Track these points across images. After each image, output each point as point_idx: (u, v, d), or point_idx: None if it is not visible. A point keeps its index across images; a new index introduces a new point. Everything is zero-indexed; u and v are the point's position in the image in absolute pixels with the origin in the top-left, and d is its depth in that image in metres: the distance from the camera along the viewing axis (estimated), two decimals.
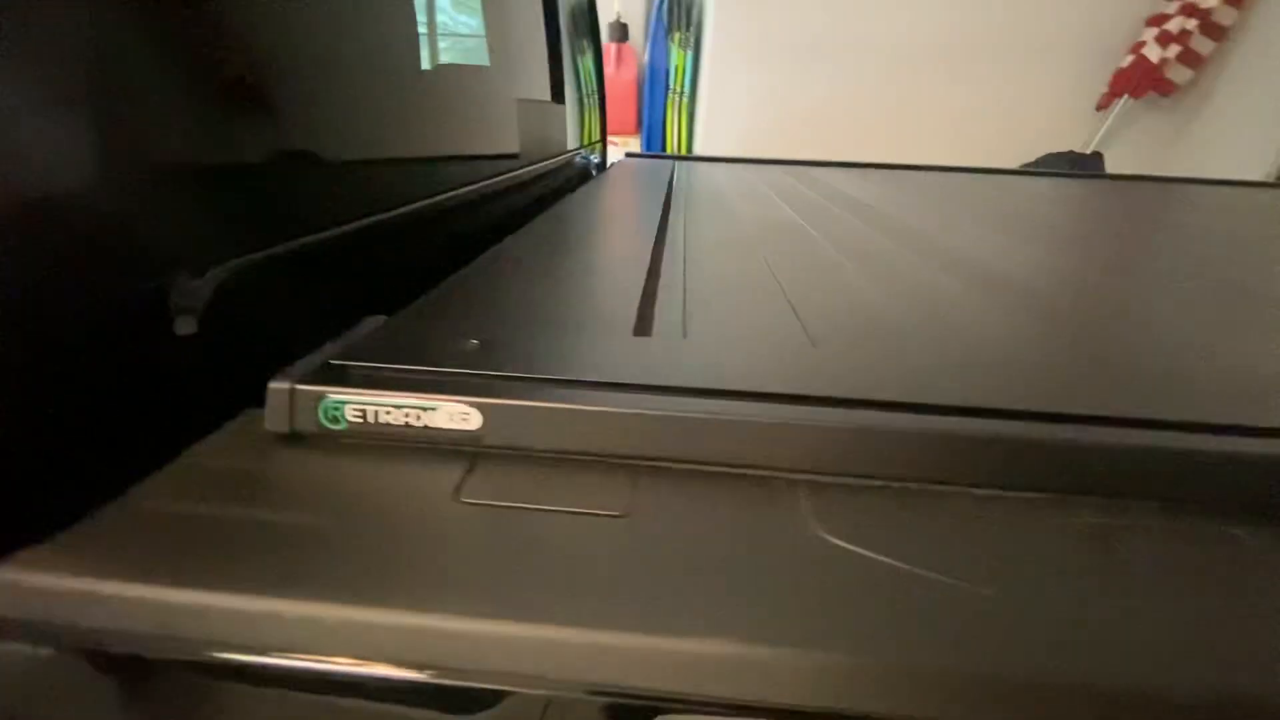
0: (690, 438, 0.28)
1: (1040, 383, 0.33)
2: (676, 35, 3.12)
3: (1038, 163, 2.89)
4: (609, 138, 3.31)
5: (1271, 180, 2.35)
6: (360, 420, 0.29)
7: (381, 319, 0.38)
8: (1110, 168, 2.86)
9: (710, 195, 0.97)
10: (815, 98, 2.95)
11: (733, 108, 3.02)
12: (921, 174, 1.42)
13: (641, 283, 0.48)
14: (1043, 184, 1.34)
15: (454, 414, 0.29)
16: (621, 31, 3.22)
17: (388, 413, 0.29)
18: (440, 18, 0.64)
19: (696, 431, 0.28)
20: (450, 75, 0.65)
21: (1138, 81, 2.65)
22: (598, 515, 0.25)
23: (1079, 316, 0.47)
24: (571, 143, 1.24)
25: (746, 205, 0.87)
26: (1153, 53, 2.61)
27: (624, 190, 1.02)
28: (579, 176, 1.27)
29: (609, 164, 1.51)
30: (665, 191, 0.97)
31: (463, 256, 0.52)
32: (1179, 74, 2.62)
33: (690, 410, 0.28)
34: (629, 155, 1.56)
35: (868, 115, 2.96)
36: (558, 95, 1.09)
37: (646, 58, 3.20)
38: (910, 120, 2.96)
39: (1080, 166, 2.76)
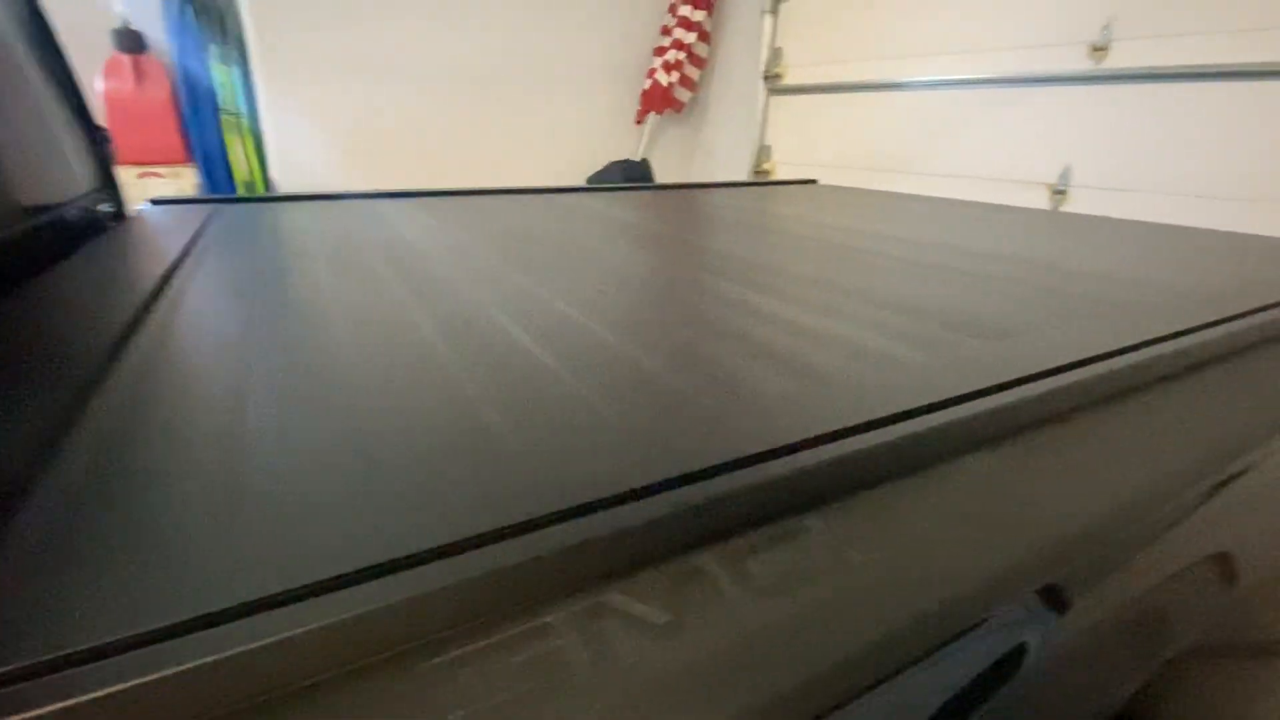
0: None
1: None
2: (214, 49, 2.72)
3: (606, 169, 3.38)
4: (153, 167, 2.75)
5: (750, 180, 3.16)
6: None
7: None
8: (656, 169, 3.51)
9: (241, 262, 0.87)
10: (393, 119, 2.91)
11: (304, 132, 2.78)
12: (506, 198, 1.51)
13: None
14: (602, 198, 1.56)
15: None
16: (134, 40, 2.67)
17: None
18: None
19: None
20: None
21: (656, 101, 3.30)
22: None
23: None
24: (46, 197, 0.97)
25: (276, 272, 0.81)
26: (662, 78, 3.27)
27: (122, 260, 0.85)
28: (75, 240, 0.99)
29: (129, 214, 1.21)
30: (169, 265, 0.81)
31: None
32: (682, 94, 3.34)
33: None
34: (154, 202, 1.28)
35: (449, 136, 3.05)
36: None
37: (180, 73, 2.72)
38: (494, 140, 3.15)
39: (635, 171, 3.32)
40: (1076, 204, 2.01)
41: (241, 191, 2.84)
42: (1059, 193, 2.04)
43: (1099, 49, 1.89)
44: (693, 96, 3.42)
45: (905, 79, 2.46)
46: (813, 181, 2.17)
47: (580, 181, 3.34)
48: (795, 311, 0.61)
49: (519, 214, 1.24)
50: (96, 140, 1.22)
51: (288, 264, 0.84)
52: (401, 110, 2.92)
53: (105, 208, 1.22)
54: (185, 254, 0.85)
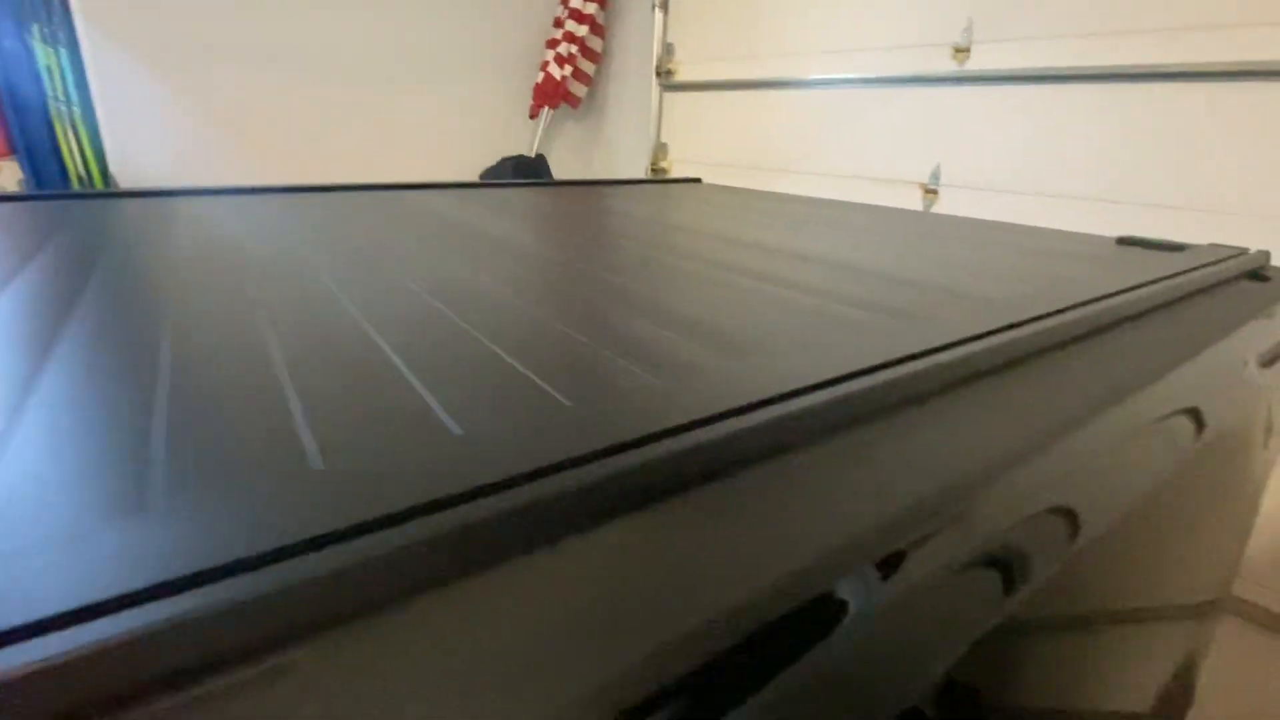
0: None
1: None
2: (36, 27, 2.41)
3: (499, 165, 3.24)
4: None
5: (644, 177, 3.12)
6: None
7: None
8: (553, 166, 3.41)
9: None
10: (254, 110, 2.67)
11: (148, 123, 2.52)
12: (377, 194, 1.39)
13: None
14: (496, 194, 1.46)
15: None
16: None
17: None
18: None
19: None
20: None
21: (550, 95, 3.19)
22: None
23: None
24: None
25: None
26: (555, 71, 3.16)
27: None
28: None
29: None
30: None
31: None
32: (577, 89, 3.25)
33: None
34: None
35: (322, 128, 2.84)
36: None
37: None
38: (375, 130, 2.95)
39: (529, 167, 3.20)
40: (946, 203, 2.06)
41: (76, 187, 2.53)
42: (931, 191, 2.09)
43: (961, 50, 1.94)
44: (589, 91, 3.34)
45: (787, 77, 2.47)
46: (697, 180, 2.13)
47: (473, 177, 3.20)
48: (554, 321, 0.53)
49: (349, 213, 1.12)
50: None
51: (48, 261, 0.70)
52: (270, 100, 2.69)
53: None
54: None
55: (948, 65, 1.98)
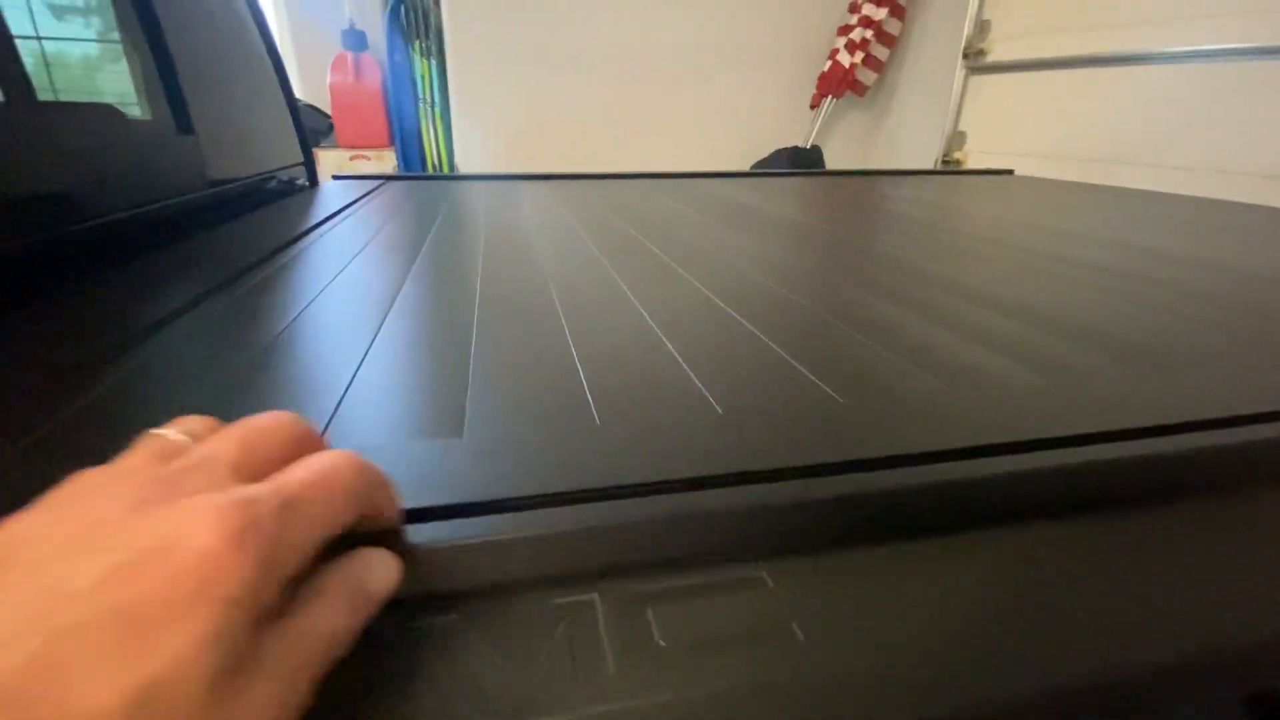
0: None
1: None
2: (417, 44, 3.00)
3: (771, 157, 3.22)
4: (362, 151, 3.11)
5: (939, 168, 2.83)
6: None
7: None
8: (828, 157, 3.28)
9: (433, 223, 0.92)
10: (565, 106, 3.00)
11: (486, 118, 2.98)
12: (682, 181, 1.49)
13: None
14: (778, 182, 1.47)
15: None
16: (358, 40, 3.02)
17: None
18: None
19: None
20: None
21: (836, 83, 3.06)
22: None
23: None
24: (252, 168, 1.12)
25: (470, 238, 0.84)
26: (844, 58, 3.02)
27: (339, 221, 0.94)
28: (277, 203, 1.15)
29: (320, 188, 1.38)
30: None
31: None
32: (866, 76, 3.06)
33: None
34: (335, 178, 1.45)
35: (617, 121, 3.09)
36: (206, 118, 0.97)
37: (389, 67, 3.04)
38: (657, 124, 3.13)
39: (803, 158, 3.12)
40: None
41: (430, 171, 3.11)
42: None
43: None
44: (877, 78, 3.13)
45: (1143, 50, 2.02)
46: (1009, 172, 1.87)
47: (745, 169, 3.22)
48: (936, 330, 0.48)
49: (651, 199, 1.19)
50: (299, 126, 1.41)
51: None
52: (573, 97, 3.01)
53: (301, 181, 1.41)
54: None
55: None
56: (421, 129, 3.13)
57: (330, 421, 0.32)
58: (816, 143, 3.24)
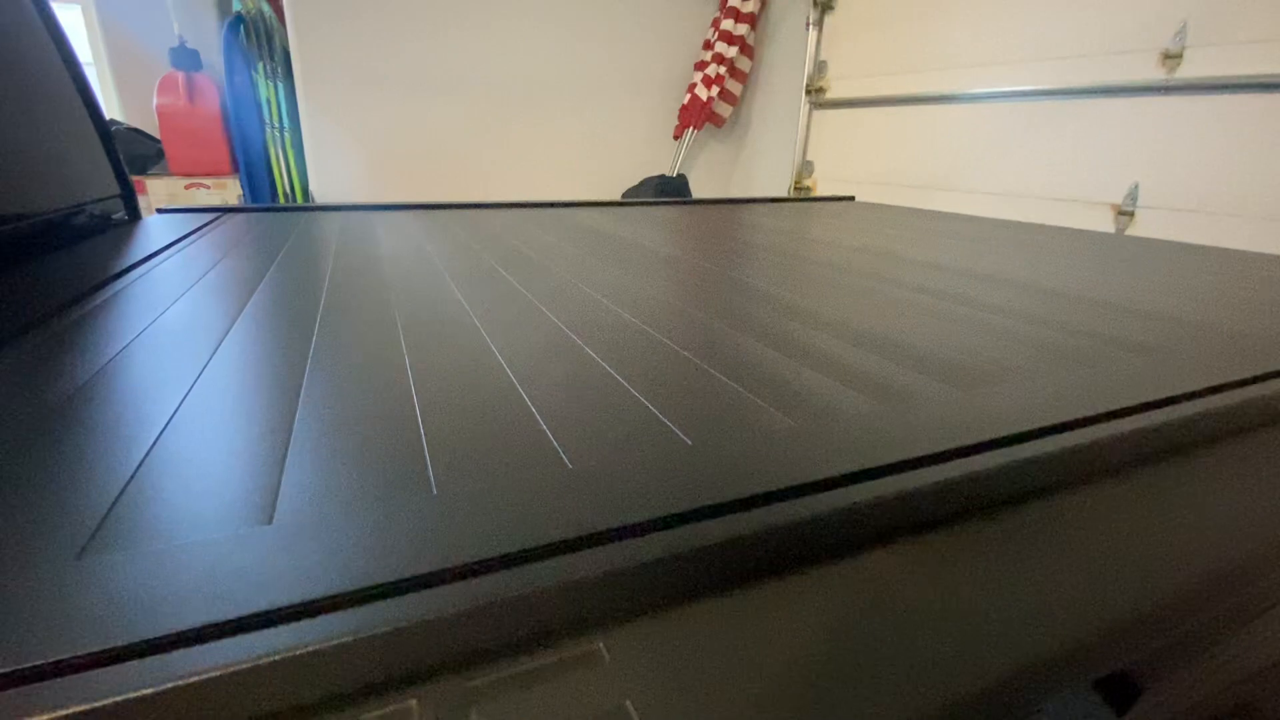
0: None
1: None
2: (261, 66, 2.80)
3: (640, 185, 3.32)
4: (200, 179, 2.83)
5: (790, 195, 3.05)
6: None
7: None
8: (693, 184, 3.43)
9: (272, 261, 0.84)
10: (431, 132, 2.93)
11: (344, 144, 2.83)
12: (550, 211, 1.47)
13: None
14: (649, 210, 1.49)
15: None
16: (190, 59, 2.77)
17: None
18: None
19: None
20: None
21: (696, 115, 3.23)
22: None
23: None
24: (49, 202, 0.98)
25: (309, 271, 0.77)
26: (702, 92, 3.20)
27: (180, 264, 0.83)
28: (87, 242, 1.01)
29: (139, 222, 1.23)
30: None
31: None
32: (722, 109, 3.26)
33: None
34: (160, 211, 1.30)
35: (488, 147, 3.05)
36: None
37: (228, 88, 2.81)
38: (528, 151, 3.13)
39: (670, 186, 3.25)
40: (1145, 226, 1.83)
41: (282, 202, 2.90)
42: (1125, 214, 1.86)
43: (1172, 56, 1.72)
44: (733, 111, 3.34)
45: (955, 91, 2.32)
46: (850, 198, 2.05)
47: (615, 197, 3.30)
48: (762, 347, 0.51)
49: (518, 228, 1.18)
50: (112, 152, 1.25)
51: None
52: (436, 123, 2.94)
53: (118, 215, 1.26)
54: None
55: (1154, 73, 1.76)
56: (270, 156, 2.91)
57: (109, 512, 0.28)
58: (682, 171, 3.39)
